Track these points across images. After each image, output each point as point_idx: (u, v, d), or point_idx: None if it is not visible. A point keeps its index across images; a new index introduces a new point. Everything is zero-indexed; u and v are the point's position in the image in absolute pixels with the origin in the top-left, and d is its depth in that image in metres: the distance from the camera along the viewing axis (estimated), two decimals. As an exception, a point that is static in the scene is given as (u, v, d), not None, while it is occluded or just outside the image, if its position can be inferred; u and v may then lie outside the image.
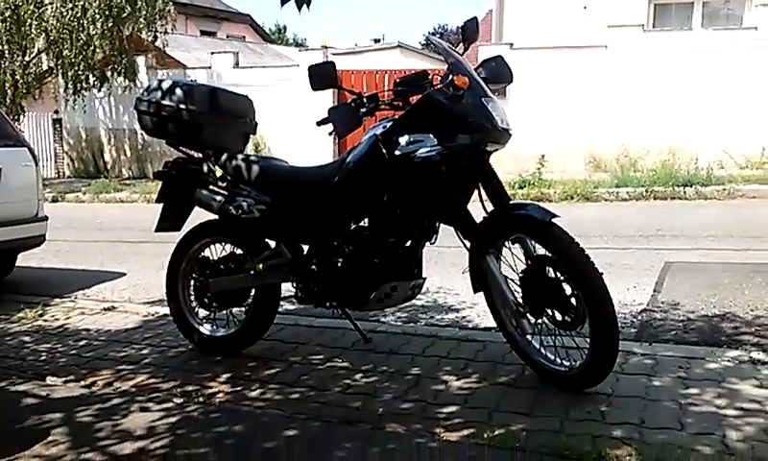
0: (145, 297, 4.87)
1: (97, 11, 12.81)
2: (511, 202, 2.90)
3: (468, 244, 2.97)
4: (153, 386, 3.09)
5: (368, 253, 3.06)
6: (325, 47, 14.16)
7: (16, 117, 13.80)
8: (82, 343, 3.80)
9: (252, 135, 3.73)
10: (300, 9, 2.39)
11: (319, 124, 3.01)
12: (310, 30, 64.45)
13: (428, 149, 2.82)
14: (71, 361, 3.49)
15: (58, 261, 6.38)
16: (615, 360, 2.64)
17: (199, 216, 3.51)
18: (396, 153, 2.89)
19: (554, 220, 2.65)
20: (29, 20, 12.65)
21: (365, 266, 3.04)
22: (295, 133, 12.19)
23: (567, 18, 12.67)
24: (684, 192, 9.28)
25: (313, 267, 3.21)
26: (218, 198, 3.37)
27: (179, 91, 3.36)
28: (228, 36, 24.85)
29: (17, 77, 13.26)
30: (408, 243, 3.06)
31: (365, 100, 2.97)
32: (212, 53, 15.10)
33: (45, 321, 4.29)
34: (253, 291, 3.46)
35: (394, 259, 3.04)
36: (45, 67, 14.34)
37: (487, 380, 2.92)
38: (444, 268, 3.95)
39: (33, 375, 3.29)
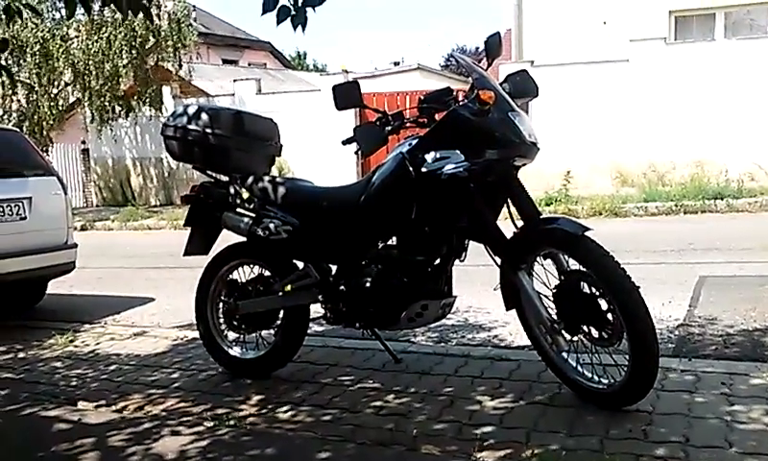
0: (174, 321, 4.88)
1: (123, 42, 13.07)
2: (541, 216, 2.85)
3: (498, 261, 2.93)
4: (183, 410, 3.07)
5: (397, 272, 3.02)
6: (346, 71, 14.26)
7: (45, 148, 14.05)
8: (112, 368, 3.81)
9: (277, 158, 3.74)
10: (295, 28, 2.41)
11: (344, 143, 3.01)
12: (330, 55, 65.13)
13: (455, 165, 2.79)
14: (102, 386, 3.49)
15: (88, 288, 6.43)
16: (656, 376, 2.56)
17: (226, 239, 3.52)
18: (423, 170, 2.86)
19: (586, 233, 2.59)
20: (56, 54, 12.94)
21: (394, 285, 3.00)
22: (317, 155, 12.30)
23: (587, 34, 12.62)
24: (715, 205, 9.13)
25: (341, 287, 3.18)
26: (245, 220, 3.38)
27: (204, 116, 3.38)
28: (249, 64, 25.18)
29: (45, 109, 13.53)
30: (437, 261, 3.02)
31: (390, 118, 2.95)
32: (235, 80, 15.29)
33: (76, 346, 4.31)
34: (282, 313, 3.45)
35: (423, 278, 3.00)
36: (72, 99, 14.62)
37: (523, 399, 2.85)
38: (474, 286, 3.90)
39: (64, 400, 3.30)
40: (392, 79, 17.65)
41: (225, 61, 24.16)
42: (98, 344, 4.35)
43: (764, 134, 10.68)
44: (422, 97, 3.01)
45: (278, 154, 3.70)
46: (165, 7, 14.07)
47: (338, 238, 3.19)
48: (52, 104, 13.77)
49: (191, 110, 3.44)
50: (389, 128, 2.91)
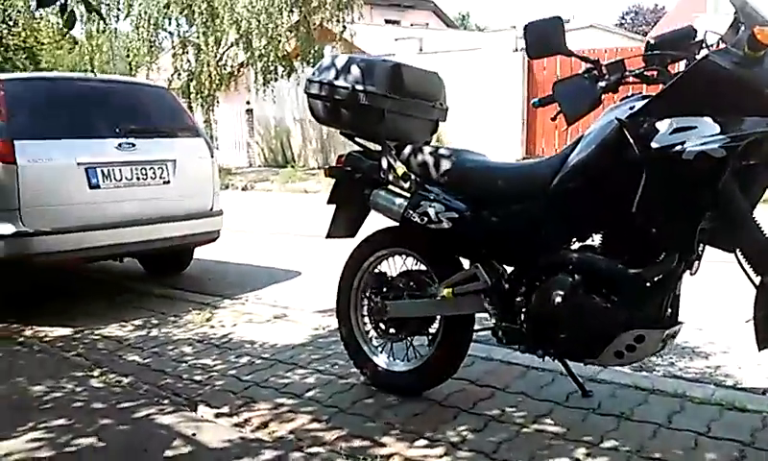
0: (318, 303, 4.36)
1: (284, 0, 12.93)
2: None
3: (756, 279, 2.01)
4: (313, 434, 2.48)
5: (602, 286, 2.19)
6: (515, 27, 13.13)
7: (211, 108, 14.40)
8: (243, 360, 3.33)
9: (441, 123, 3.01)
10: None
11: (538, 105, 2.21)
12: (491, 17, 63.01)
13: (705, 139, 1.90)
14: (228, 385, 3.01)
15: (238, 255, 6.13)
16: None
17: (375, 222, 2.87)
18: (654, 145, 1.99)
19: None
20: (222, 12, 13.05)
21: (598, 306, 2.18)
22: (479, 123, 11.42)
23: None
24: None
25: (520, 299, 2.40)
26: (399, 201, 2.70)
27: (355, 69, 2.71)
28: (411, 25, 24.57)
29: (212, 69, 13.79)
30: (661, 275, 2.15)
31: (604, 70, 2.11)
32: (396, 39, 14.73)
33: (211, 327, 3.92)
34: (440, 319, 2.75)
35: (640, 297, 2.15)
36: (240, 60, 14.82)
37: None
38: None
39: (185, 400, 2.84)
40: (563, 38, 16.25)
41: (387, 22, 23.74)
42: (234, 325, 3.93)
43: None
44: (651, 41, 2.13)
45: (444, 118, 2.98)
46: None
47: (518, 233, 2.41)
48: (218, 64, 14.02)
49: (340, 63, 2.79)
50: (602, 84, 2.08)
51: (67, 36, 15.29)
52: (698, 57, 2.02)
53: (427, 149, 2.69)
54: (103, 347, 3.61)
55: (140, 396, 2.90)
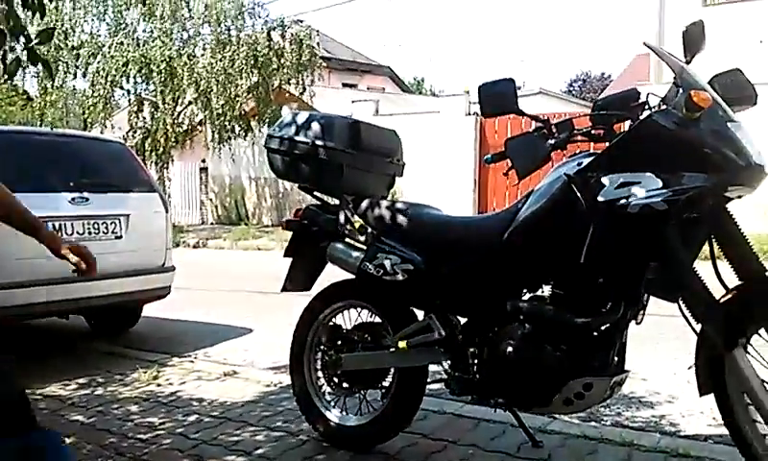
0: (269, 361, 4.31)
1: (244, 62, 13.09)
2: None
3: (697, 327, 2.09)
4: (264, 492, 2.42)
5: (551, 335, 2.24)
6: (468, 92, 13.53)
7: (166, 166, 14.29)
8: (192, 418, 3.24)
9: (398, 178, 3.07)
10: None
11: (490, 161, 2.29)
12: (447, 82, 65.06)
13: (649, 193, 2.00)
14: (175, 443, 2.92)
15: (187, 312, 6.02)
16: None
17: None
18: (600, 198, 2.08)
19: None
20: (181, 72, 13.11)
21: (547, 355, 2.22)
22: (432, 181, 11.62)
23: (740, 53, 11.25)
24: None
25: (473, 350, 2.43)
26: (355, 253, 2.72)
27: (315, 125, 2.76)
28: (368, 88, 25.10)
29: (168, 127, 13.76)
30: (608, 324, 2.21)
31: (553, 128, 2.20)
32: (353, 101, 15.02)
33: (159, 385, 3.81)
34: (393, 371, 2.74)
35: (588, 346, 2.20)
36: (198, 119, 14.84)
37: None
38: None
39: (129, 459, 2.75)
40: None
41: (344, 85, 24.19)
42: (182, 383, 3.83)
43: None
44: (597, 101, 2.25)
45: (400, 173, 3.03)
46: (289, 28, 14.12)
47: (471, 283, 2.45)
48: (175, 122, 14.00)
49: (300, 119, 2.83)
50: (552, 141, 2.16)
51: (22, 92, 15.08)
52: (641, 117, 2.14)
53: (384, 203, 2.74)
54: (44, 406, 3.47)
55: (83, 456, 2.79)
